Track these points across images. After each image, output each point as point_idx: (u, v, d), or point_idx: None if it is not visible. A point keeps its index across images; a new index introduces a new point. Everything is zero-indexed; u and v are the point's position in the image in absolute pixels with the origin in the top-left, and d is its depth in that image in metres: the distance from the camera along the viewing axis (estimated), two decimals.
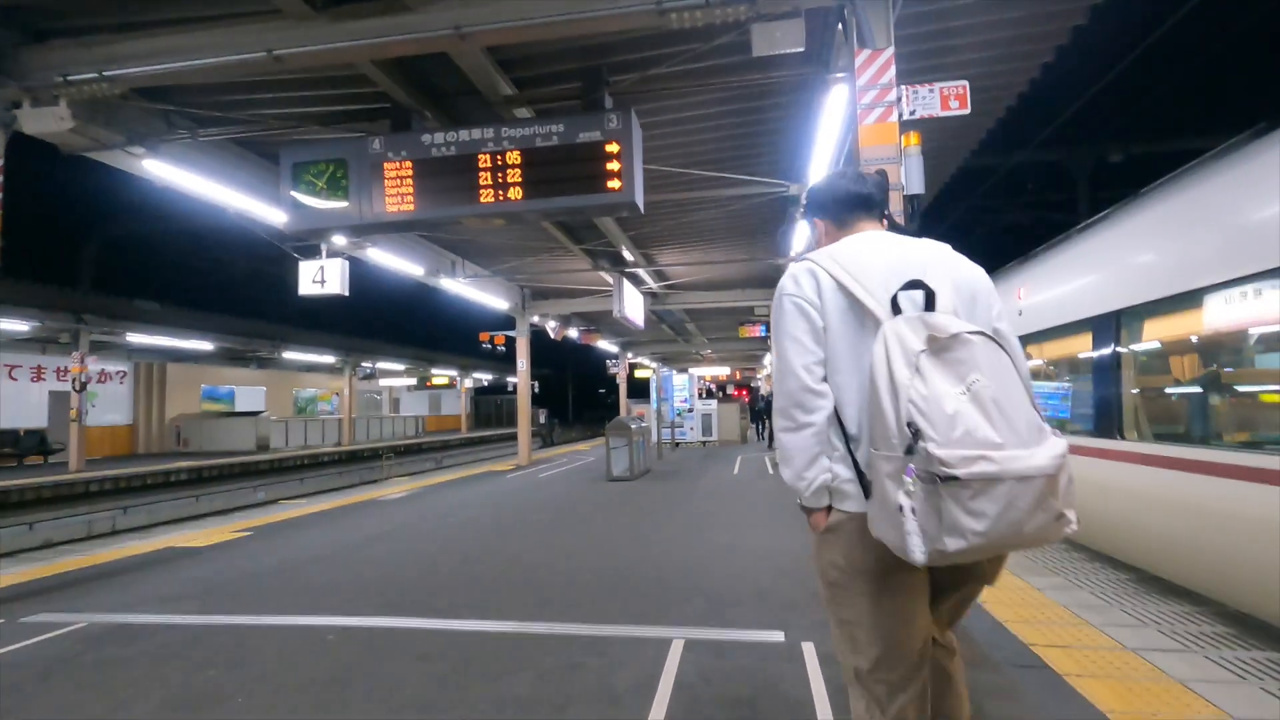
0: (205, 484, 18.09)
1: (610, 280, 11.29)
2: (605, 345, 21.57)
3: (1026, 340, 6.69)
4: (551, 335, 16.83)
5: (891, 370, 1.31)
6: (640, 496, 8.97)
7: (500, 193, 4.84)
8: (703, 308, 14.80)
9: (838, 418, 1.47)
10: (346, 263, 8.35)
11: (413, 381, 37.51)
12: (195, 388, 25.21)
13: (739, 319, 16.62)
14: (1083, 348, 5.58)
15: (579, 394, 64.87)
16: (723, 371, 31.89)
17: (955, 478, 1.21)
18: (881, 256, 1.49)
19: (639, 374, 27.62)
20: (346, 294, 8.28)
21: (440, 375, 36.43)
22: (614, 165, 4.67)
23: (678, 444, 18.87)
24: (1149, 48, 11.07)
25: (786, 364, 1.49)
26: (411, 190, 4.96)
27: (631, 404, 21.62)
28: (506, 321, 15.05)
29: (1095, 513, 5.29)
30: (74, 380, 16.07)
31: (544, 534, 6.45)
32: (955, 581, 1.53)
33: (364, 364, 28.60)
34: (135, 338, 17.95)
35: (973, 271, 1.54)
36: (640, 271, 11.58)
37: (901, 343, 1.32)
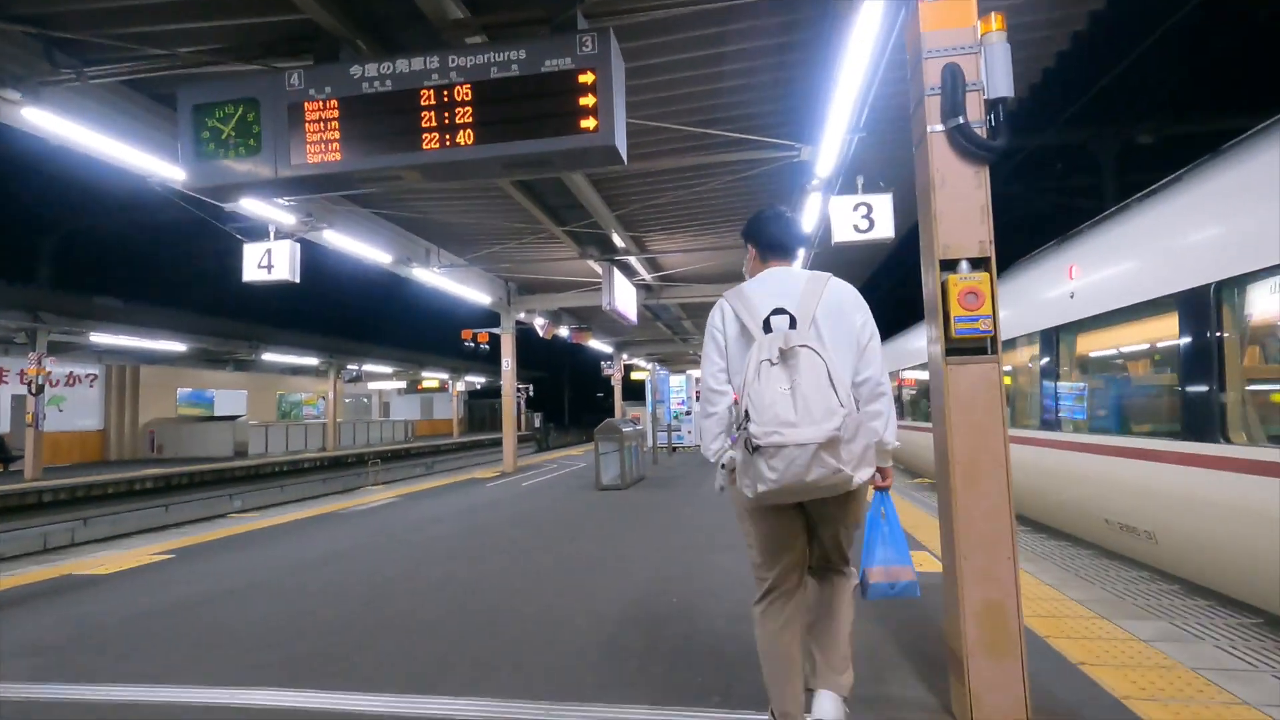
0: (174, 493, 17.05)
1: (599, 270, 10.32)
2: (599, 345, 20.60)
3: (1081, 327, 5.73)
4: (540, 333, 15.84)
5: (747, 372, 1.92)
6: (631, 508, 7.98)
7: (447, 137, 3.85)
8: (700, 302, 13.82)
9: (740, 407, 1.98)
10: (297, 245, 7.36)
11: (403, 385, 36.45)
12: (171, 391, 24.16)
13: None
14: (1162, 332, 4.60)
15: (575, 397, 63.87)
16: None
17: (759, 446, 1.84)
18: (766, 289, 2.12)
19: (635, 376, 26.70)
20: (296, 280, 7.29)
21: (431, 378, 35.39)
22: (588, 100, 3.68)
23: (675, 448, 17.87)
24: (1179, 21, 10.19)
25: (704, 371, 2.17)
26: (337, 136, 3.98)
27: (627, 406, 20.64)
28: (491, 318, 14.06)
29: (1185, 533, 4.29)
30: (30, 383, 15.04)
31: (516, 557, 5.45)
32: (818, 519, 2.12)
33: (349, 366, 27.57)
34: (100, 338, 16.91)
35: (841, 292, 2.09)
36: (632, 260, 10.60)
37: (758, 353, 1.93)
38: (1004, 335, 6.75)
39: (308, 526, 7.36)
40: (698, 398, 18.85)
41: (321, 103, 4.01)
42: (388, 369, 31.62)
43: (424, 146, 3.87)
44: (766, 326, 1.99)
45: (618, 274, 10.11)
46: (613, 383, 24.29)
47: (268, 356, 23.35)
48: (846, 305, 2.05)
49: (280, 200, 7.12)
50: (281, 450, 24.18)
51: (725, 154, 6.47)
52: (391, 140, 3.92)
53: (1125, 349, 5.36)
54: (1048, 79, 6.06)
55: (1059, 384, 6.10)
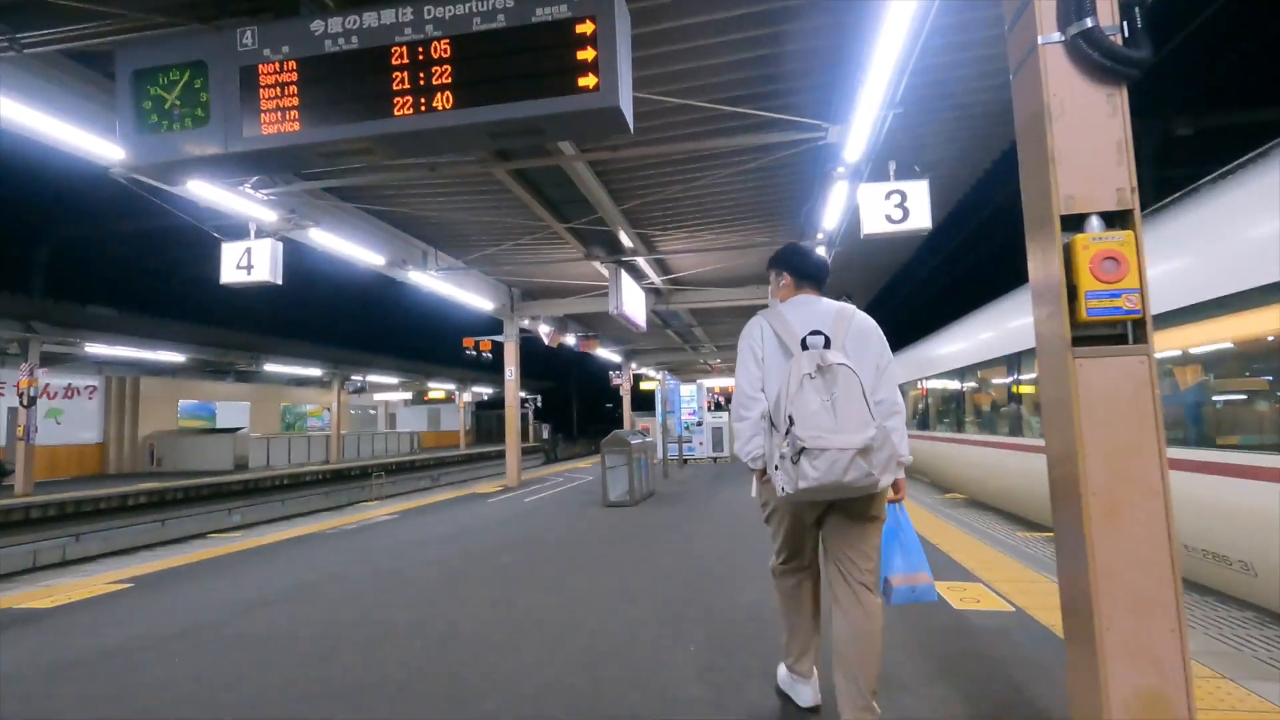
0: (168, 508, 16.52)
1: (606, 273, 9.72)
2: (606, 354, 20.00)
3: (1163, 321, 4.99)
4: (545, 341, 15.25)
5: (789, 384, 2.15)
6: (640, 529, 7.32)
7: (422, 101, 3.25)
8: (711, 307, 13.20)
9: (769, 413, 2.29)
10: (279, 244, 6.81)
11: (409, 396, 35.98)
12: (172, 403, 23.73)
13: (752, 309, 15.00)
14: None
15: (584, 407, 63.23)
16: (733, 383, 30.21)
17: (805, 448, 2.06)
18: (800, 314, 2.38)
19: (645, 385, 26.02)
20: (279, 282, 6.73)
21: (438, 389, 34.88)
22: (587, 53, 3.07)
23: (686, 460, 17.19)
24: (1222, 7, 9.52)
25: (739, 379, 2.40)
26: (296, 103, 3.40)
27: (636, 417, 19.99)
28: (495, 326, 13.49)
29: None
30: (21, 395, 14.59)
31: (506, 592, 4.79)
32: (845, 517, 2.32)
33: (354, 377, 27.10)
34: (95, 348, 16.49)
35: (865, 323, 2.37)
36: (640, 262, 9.99)
37: (798, 368, 2.16)
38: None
39: (286, 550, 6.74)
40: (718, 406, 17.83)
41: (278, 64, 3.42)
42: (393, 380, 31.13)
43: (395, 113, 3.28)
44: (803, 344, 2.24)
45: (625, 276, 9.51)
46: (621, 393, 23.65)
47: (270, 368, 22.91)
48: (870, 334, 2.35)
49: (259, 194, 6.58)
50: (284, 463, 23.67)
51: (744, 137, 5.85)
52: (358, 106, 3.33)
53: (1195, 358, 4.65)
54: None
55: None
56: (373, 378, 28.54)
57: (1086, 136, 1.75)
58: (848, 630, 2.21)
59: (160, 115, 3.59)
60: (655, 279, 11.05)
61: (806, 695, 2.53)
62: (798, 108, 5.55)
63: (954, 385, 10.32)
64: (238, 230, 6.97)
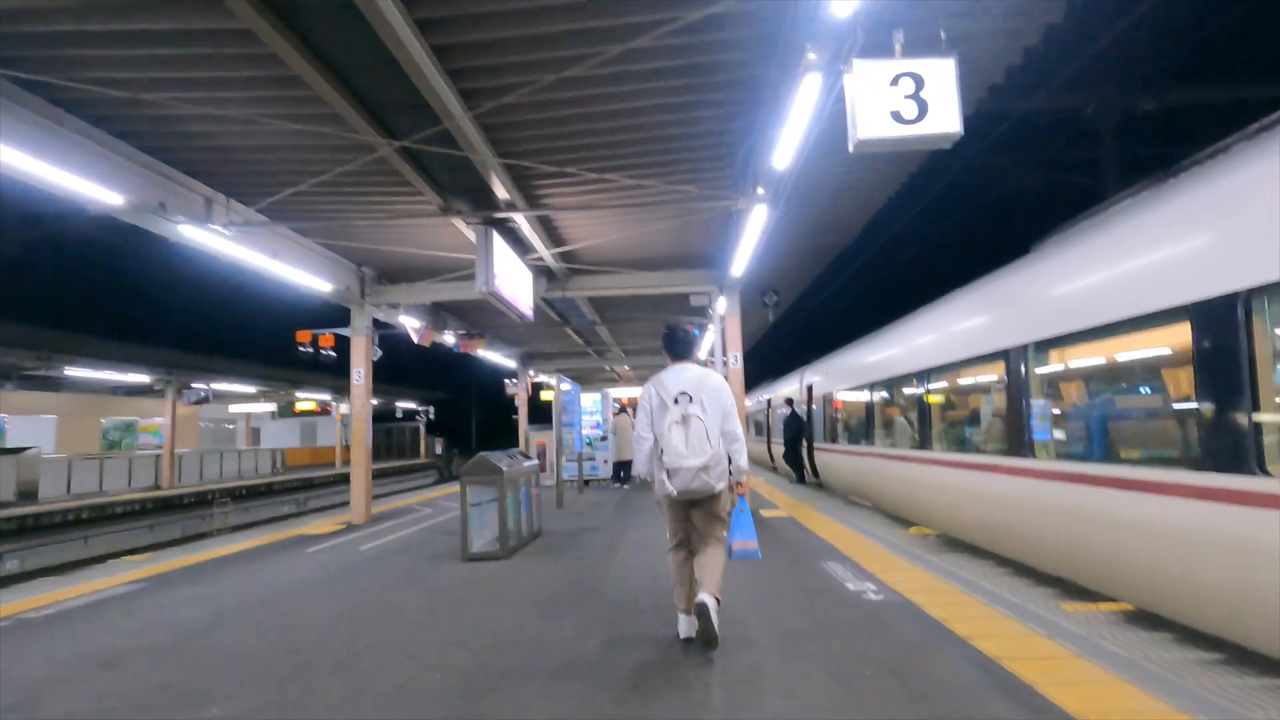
0: None
1: (472, 237, 7.15)
2: (496, 358, 17.22)
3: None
4: (415, 339, 12.39)
5: (668, 428, 3.51)
6: (506, 609, 4.79)
7: None
8: (617, 296, 10.85)
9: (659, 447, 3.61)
10: None
11: (274, 408, 31.37)
12: None
13: (665, 316, 12.75)
14: None
15: (486, 420, 59.01)
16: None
17: (669, 467, 3.46)
18: (675, 379, 3.67)
19: (546, 395, 23.32)
20: None
21: (307, 399, 30.51)
22: None
23: (588, 482, 14.72)
24: None
25: (639, 423, 3.70)
26: None
27: (532, 432, 17.26)
28: (341, 315, 10.51)
29: None
30: None
31: None
32: (699, 510, 3.69)
33: (195, 385, 22.72)
34: None
35: (718, 381, 3.71)
36: (521, 225, 7.48)
37: (670, 417, 3.53)
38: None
39: None
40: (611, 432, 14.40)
41: None
42: (250, 389, 26.74)
43: None
44: (675, 400, 3.57)
45: (499, 242, 6.98)
46: (517, 403, 20.91)
47: (74, 373, 18.46)
48: (720, 390, 3.67)
49: None
50: (93, 490, 19.17)
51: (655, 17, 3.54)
52: None
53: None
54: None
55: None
56: (221, 386, 24.17)
57: None
58: (704, 561, 3.63)
59: None
60: (544, 253, 8.55)
61: (684, 627, 3.73)
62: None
63: (924, 389, 8.44)
64: None
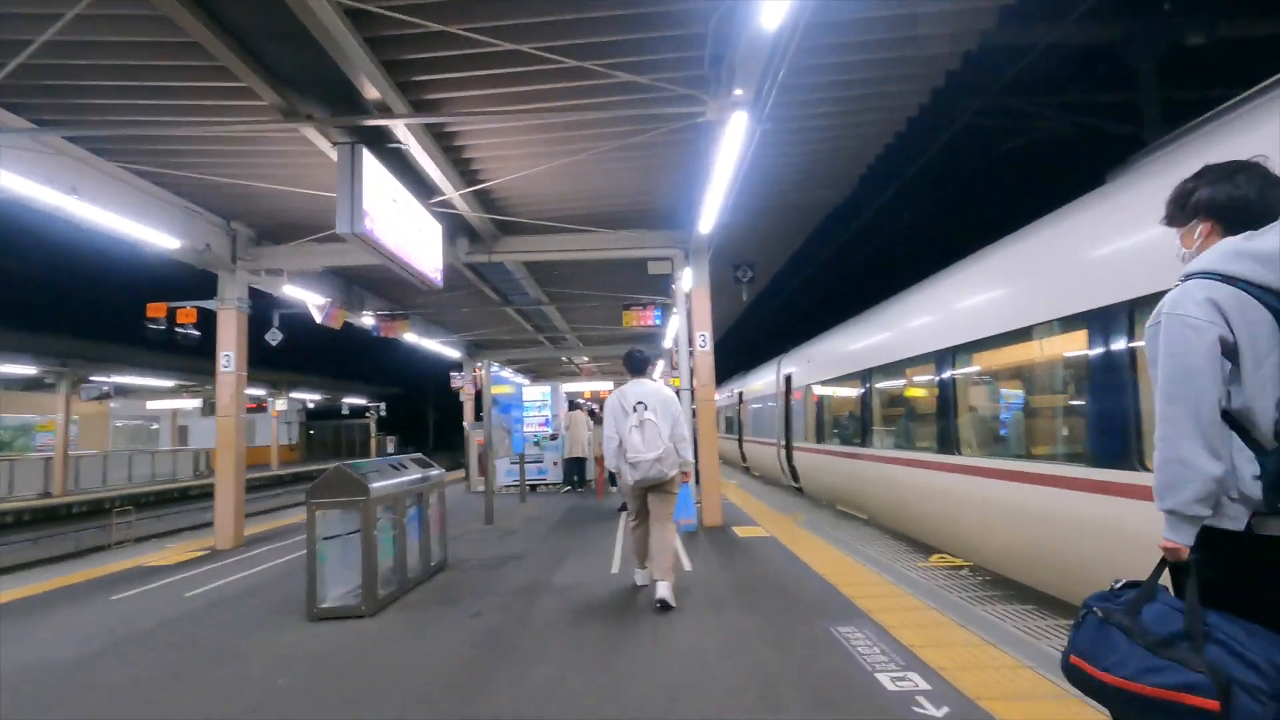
0: None
1: (334, 157, 5.06)
2: (439, 348, 15.03)
3: None
4: (318, 318, 10.23)
5: (629, 430, 4.54)
6: None
7: None
8: (560, 260, 8.82)
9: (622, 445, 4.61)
10: None
11: (199, 404, 28.50)
12: None
13: (621, 295, 10.77)
14: None
15: (443, 417, 56.14)
16: (606, 388, 25.56)
17: (630, 459, 4.52)
18: (635, 391, 4.71)
19: (500, 389, 21.19)
20: None
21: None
22: None
23: (534, 487, 12.74)
24: None
25: (607, 427, 4.73)
26: None
27: (472, 430, 15.15)
28: (206, 284, 8.29)
29: None
30: None
31: None
32: (654, 494, 4.70)
33: (94, 379, 20.02)
34: None
35: (668, 393, 4.81)
36: (408, 142, 5.40)
37: (631, 421, 4.56)
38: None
39: None
40: (592, 415, 12.19)
41: None
42: (167, 383, 24.00)
43: None
44: (634, 408, 4.56)
45: (373, 165, 4.93)
46: (462, 398, 18.74)
47: None
48: (670, 400, 4.71)
49: None
50: None
51: None
52: None
53: None
54: None
55: None
56: (128, 380, 21.46)
57: None
58: (657, 542, 4.57)
59: None
60: (453, 195, 6.46)
61: (642, 577, 4.92)
62: None
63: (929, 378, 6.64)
64: None
